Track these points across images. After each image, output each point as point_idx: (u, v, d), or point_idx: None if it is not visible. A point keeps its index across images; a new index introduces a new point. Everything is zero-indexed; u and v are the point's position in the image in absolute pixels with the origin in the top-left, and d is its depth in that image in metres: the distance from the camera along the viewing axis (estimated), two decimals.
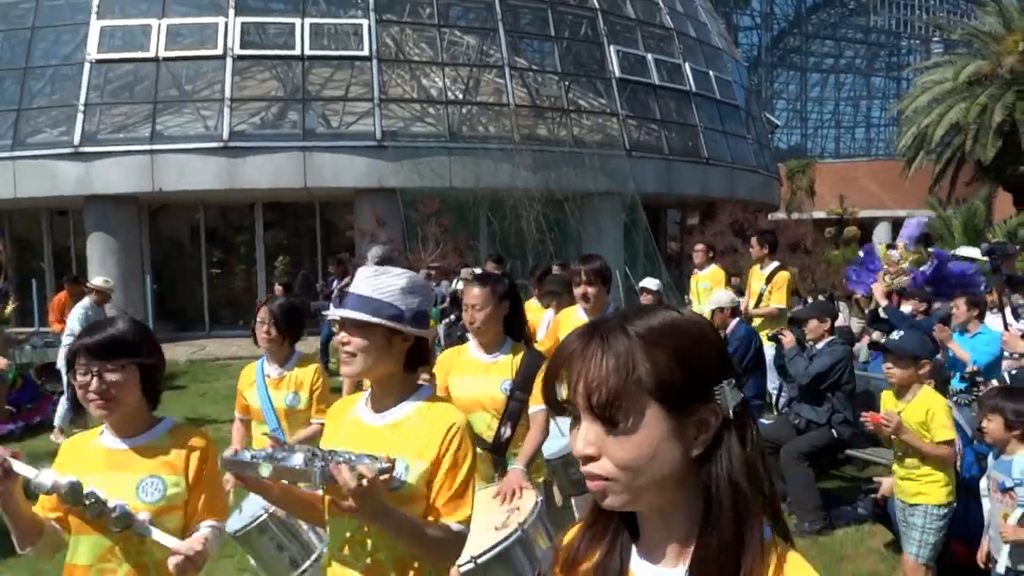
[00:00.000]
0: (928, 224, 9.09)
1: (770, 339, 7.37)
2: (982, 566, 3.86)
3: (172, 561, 2.03)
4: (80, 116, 15.69)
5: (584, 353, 1.03)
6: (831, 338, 5.45)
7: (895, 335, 3.89)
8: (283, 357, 3.81)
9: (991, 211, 25.16)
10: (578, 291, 4.28)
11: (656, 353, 1.01)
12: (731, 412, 1.03)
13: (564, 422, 3.48)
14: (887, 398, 4.08)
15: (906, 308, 8.10)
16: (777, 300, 7.00)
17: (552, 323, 5.00)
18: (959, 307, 6.23)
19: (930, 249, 6.82)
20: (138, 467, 2.19)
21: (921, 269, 7.15)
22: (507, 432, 3.32)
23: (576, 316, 4.43)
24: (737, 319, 6.28)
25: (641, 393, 1.00)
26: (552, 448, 3.61)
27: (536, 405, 3.25)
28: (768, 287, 7.11)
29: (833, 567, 4.54)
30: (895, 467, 4.01)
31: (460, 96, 18.18)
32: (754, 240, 7.70)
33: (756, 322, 7.03)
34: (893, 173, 29.29)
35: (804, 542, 4.90)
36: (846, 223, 30.10)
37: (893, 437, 3.87)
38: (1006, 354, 5.86)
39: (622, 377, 1.00)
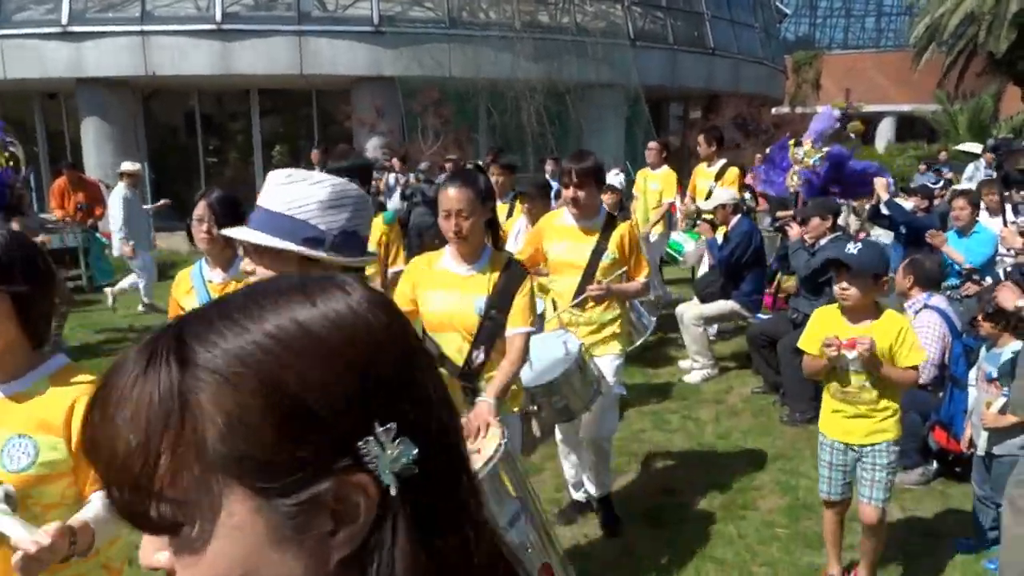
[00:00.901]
0: (839, 119, 8.50)
1: (776, 229, 7.44)
2: (964, 450, 4.09)
3: (13, 559, 1.50)
4: None
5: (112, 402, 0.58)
6: (834, 235, 5.53)
7: (851, 248, 3.11)
8: (226, 260, 3.21)
9: (999, 107, 24.75)
10: (567, 193, 3.74)
11: (236, 396, 0.57)
12: (392, 483, 0.59)
13: (549, 343, 3.60)
14: (828, 321, 3.28)
15: (907, 204, 8.17)
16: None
17: (533, 232, 4.19)
18: (961, 207, 6.29)
19: (826, 149, 6.58)
20: (5, 423, 1.70)
21: (816, 170, 6.78)
22: (480, 356, 2.87)
23: (561, 221, 3.92)
24: (739, 215, 6.33)
25: (209, 470, 0.57)
26: (532, 375, 3.27)
27: (514, 328, 2.84)
28: (719, 183, 7.06)
29: None
30: (837, 405, 3.26)
31: None
32: (701, 138, 7.67)
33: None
34: (902, 65, 28.57)
35: (795, 430, 5.16)
36: (851, 117, 29.62)
37: (851, 369, 3.13)
38: (1003, 250, 5.98)
39: (162, 445, 0.56)
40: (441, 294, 2.91)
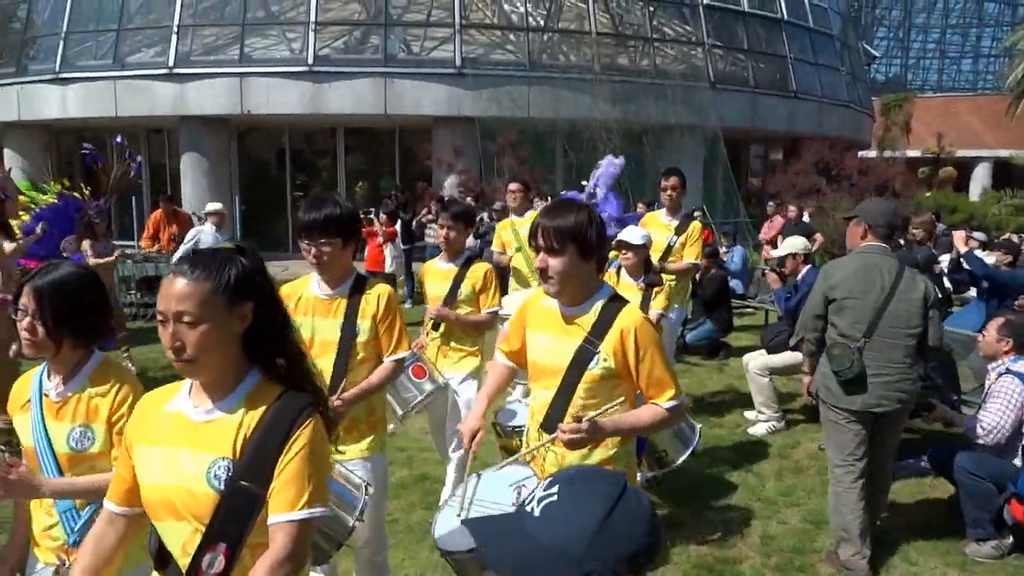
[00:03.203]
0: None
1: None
2: None
3: None
4: (174, 37, 16.21)
5: None
6: None
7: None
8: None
9: None
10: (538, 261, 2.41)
11: None
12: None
13: (497, 484, 2.51)
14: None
15: (989, 259, 7.88)
16: (691, 255, 5.60)
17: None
18: None
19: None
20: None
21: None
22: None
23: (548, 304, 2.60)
24: (809, 265, 6.23)
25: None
26: (455, 531, 2.30)
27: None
28: (680, 239, 5.68)
29: (888, 520, 4.57)
30: None
31: (541, 22, 17.91)
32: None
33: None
34: (998, 109, 27.50)
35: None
36: (942, 163, 28.60)
37: None
38: None
39: None
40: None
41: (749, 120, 18.68)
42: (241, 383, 1.68)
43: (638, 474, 4.15)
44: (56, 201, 8.95)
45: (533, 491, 1.17)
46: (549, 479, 1.18)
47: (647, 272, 4.83)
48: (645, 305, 4.64)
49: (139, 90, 16.20)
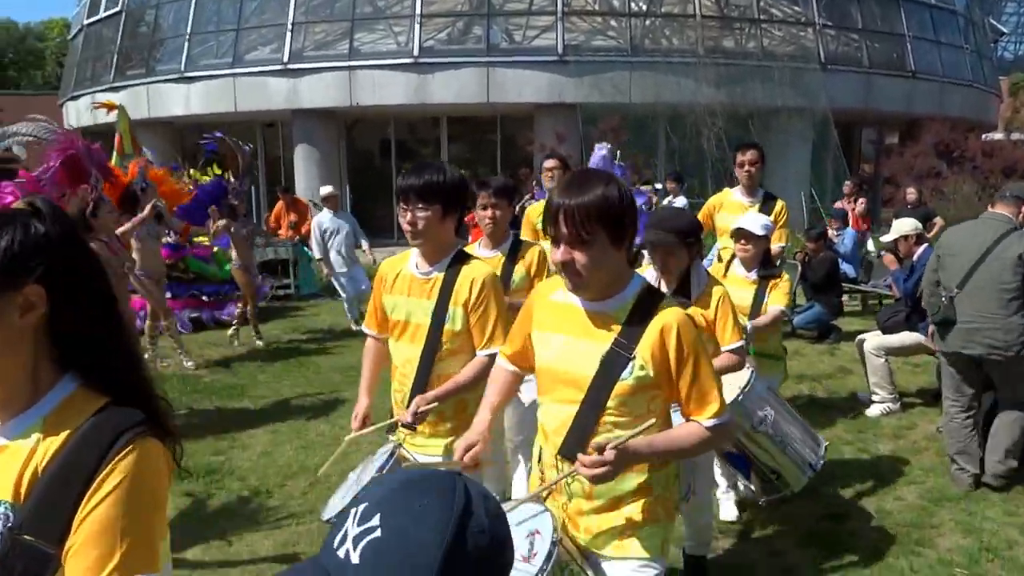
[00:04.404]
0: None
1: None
2: None
3: None
4: (288, 35, 16.96)
5: None
6: None
7: None
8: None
9: None
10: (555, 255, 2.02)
11: None
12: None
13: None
14: None
15: None
16: (778, 238, 4.89)
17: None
18: None
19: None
20: None
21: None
22: None
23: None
24: (924, 245, 5.97)
25: None
26: None
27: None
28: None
29: (1015, 498, 4.37)
30: None
31: (644, 7, 17.70)
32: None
33: None
34: None
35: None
36: None
37: None
38: None
39: None
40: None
41: (863, 101, 17.88)
42: (44, 397, 1.15)
43: (742, 485, 4.00)
44: (209, 180, 9.61)
45: (346, 529, 0.83)
46: (364, 504, 0.84)
47: (764, 264, 4.21)
48: (759, 302, 4.11)
49: (255, 86, 17.05)
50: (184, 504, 4.28)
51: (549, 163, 5.24)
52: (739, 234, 4.09)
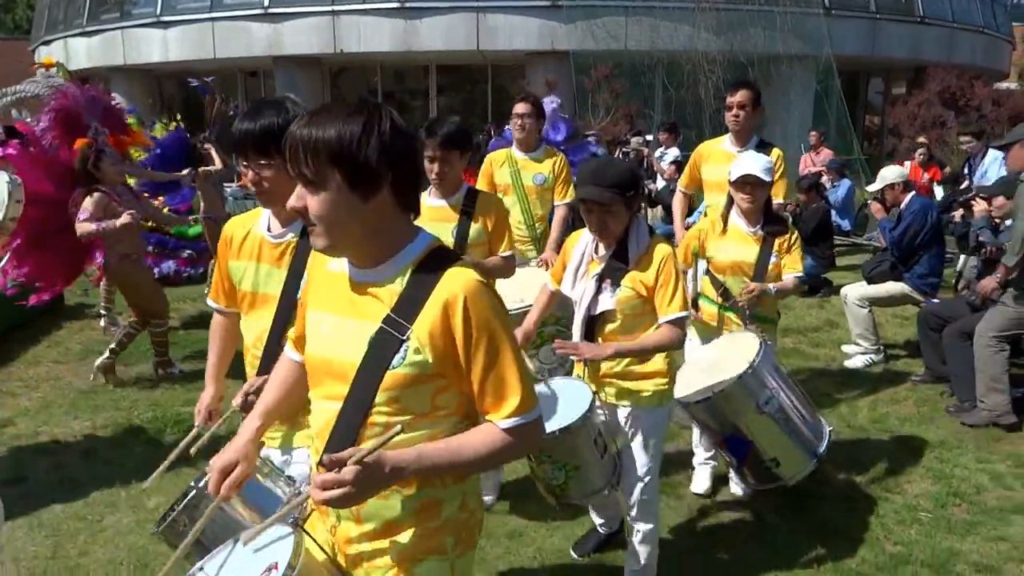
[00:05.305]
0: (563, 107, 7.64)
1: (959, 204, 6.53)
2: None
3: None
4: None
5: None
6: None
7: None
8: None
9: None
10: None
11: None
12: None
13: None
14: None
15: None
16: (778, 192, 4.35)
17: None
18: None
19: None
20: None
21: None
22: None
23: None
24: (912, 193, 5.61)
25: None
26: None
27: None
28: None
29: (988, 446, 4.30)
30: None
31: None
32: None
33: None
34: None
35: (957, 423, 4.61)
36: None
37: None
38: None
39: None
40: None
41: (868, 48, 17.19)
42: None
43: (739, 487, 3.65)
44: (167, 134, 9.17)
45: None
46: None
47: (767, 217, 3.54)
48: (764, 261, 3.48)
49: (236, 31, 16.44)
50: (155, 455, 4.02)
51: (520, 107, 4.55)
52: (741, 181, 3.40)
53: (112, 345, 5.43)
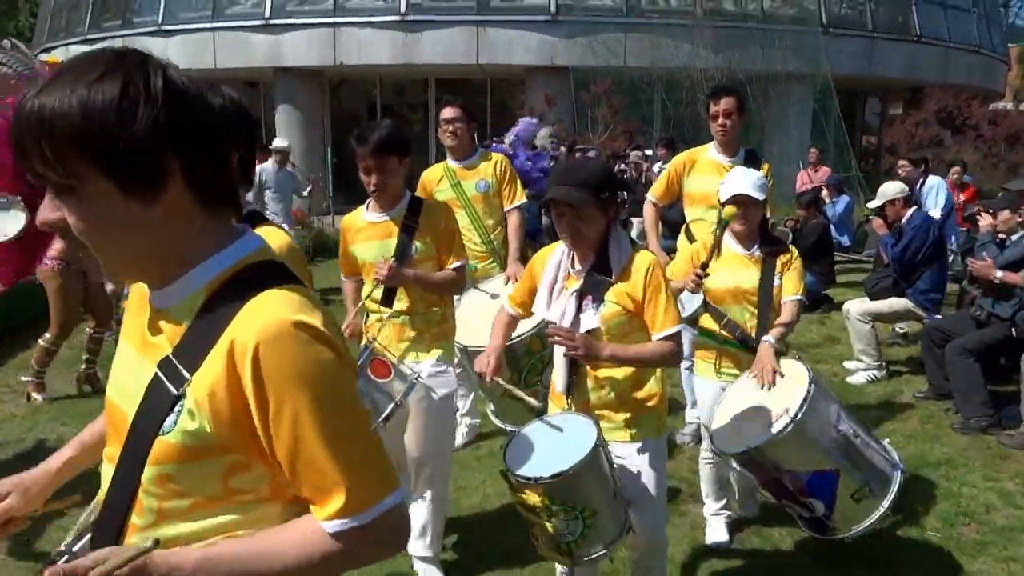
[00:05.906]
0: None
1: (965, 218, 6.54)
2: None
3: None
4: None
5: None
6: None
7: None
8: None
9: None
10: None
11: None
12: None
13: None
14: None
15: None
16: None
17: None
18: None
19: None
20: None
21: None
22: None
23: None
24: (913, 208, 5.61)
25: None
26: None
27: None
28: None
29: (995, 464, 4.25)
30: None
31: None
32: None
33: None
34: None
35: (967, 438, 4.58)
36: None
37: None
38: None
39: None
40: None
41: (865, 67, 17.27)
42: None
43: (724, 535, 3.39)
44: None
45: None
46: None
47: (764, 237, 3.26)
48: (768, 284, 3.18)
49: (236, 42, 16.44)
50: None
51: (448, 112, 4.24)
52: (732, 201, 3.10)
53: (84, 355, 5.38)
